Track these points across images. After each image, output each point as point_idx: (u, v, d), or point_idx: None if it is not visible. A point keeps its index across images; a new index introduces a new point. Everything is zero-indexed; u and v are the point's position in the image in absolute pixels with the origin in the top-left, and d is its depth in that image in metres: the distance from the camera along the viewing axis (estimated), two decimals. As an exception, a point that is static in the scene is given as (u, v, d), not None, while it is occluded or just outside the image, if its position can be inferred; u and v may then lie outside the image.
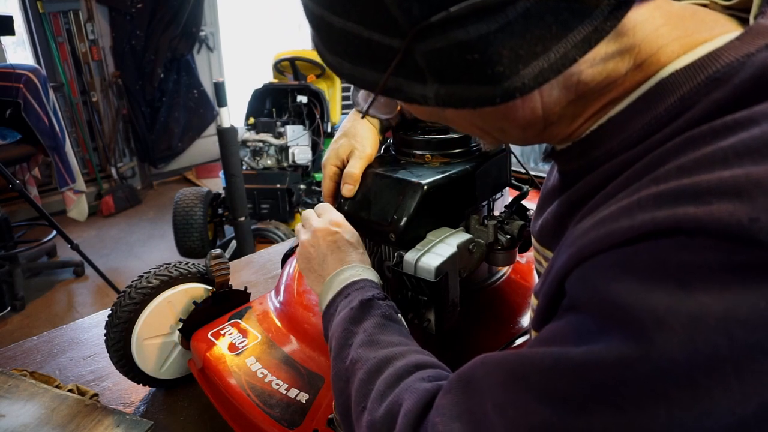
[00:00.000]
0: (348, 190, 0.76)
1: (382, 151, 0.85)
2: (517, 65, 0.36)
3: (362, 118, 0.78)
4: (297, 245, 1.06)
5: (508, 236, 0.80)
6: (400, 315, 0.61)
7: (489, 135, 0.48)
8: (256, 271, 1.30)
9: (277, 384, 0.74)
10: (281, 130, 3.32)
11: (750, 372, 0.28)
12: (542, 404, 0.34)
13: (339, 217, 0.72)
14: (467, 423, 0.39)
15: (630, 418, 0.30)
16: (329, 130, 3.52)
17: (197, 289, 0.89)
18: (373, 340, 0.54)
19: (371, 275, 0.65)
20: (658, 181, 0.33)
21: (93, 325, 1.09)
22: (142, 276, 0.86)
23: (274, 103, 3.52)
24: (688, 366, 0.28)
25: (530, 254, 0.98)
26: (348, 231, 0.70)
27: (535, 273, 0.93)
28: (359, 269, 0.65)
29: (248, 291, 0.95)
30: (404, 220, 0.70)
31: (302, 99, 3.36)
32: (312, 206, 3.35)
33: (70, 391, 0.83)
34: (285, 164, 3.33)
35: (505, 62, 0.35)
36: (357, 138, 0.78)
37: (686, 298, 0.29)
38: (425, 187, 0.70)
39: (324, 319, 0.63)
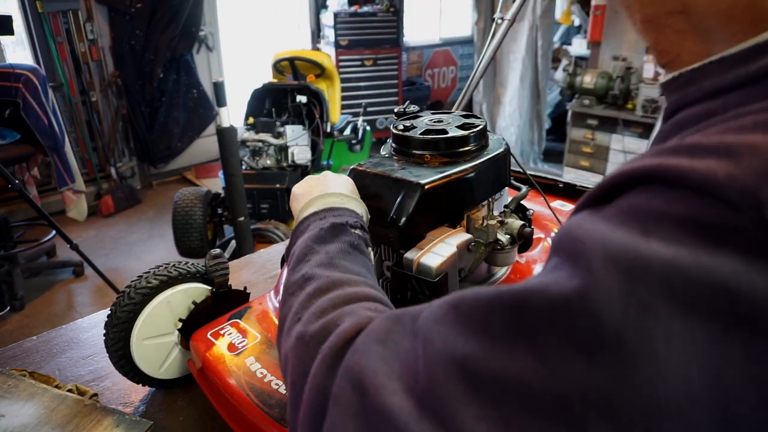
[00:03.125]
0: None
1: (381, 151, 0.85)
2: None
3: None
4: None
5: (508, 236, 0.80)
6: (370, 249, 0.59)
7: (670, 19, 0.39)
8: (256, 271, 1.30)
9: (277, 384, 0.74)
10: (281, 129, 3.32)
11: (679, 336, 0.26)
12: (468, 335, 0.31)
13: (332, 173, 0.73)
14: (389, 348, 0.36)
15: (551, 365, 0.28)
16: (329, 130, 3.52)
17: (197, 289, 0.89)
18: (332, 263, 0.52)
19: (357, 206, 0.64)
20: (686, 136, 0.32)
21: (92, 325, 1.09)
22: (141, 276, 0.86)
23: (274, 103, 3.52)
24: (620, 321, 0.26)
25: (530, 254, 0.98)
26: (338, 175, 0.70)
27: (535, 273, 0.93)
28: (345, 198, 0.64)
29: (248, 291, 0.95)
30: (404, 219, 0.69)
31: (302, 99, 3.36)
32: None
33: (69, 391, 0.83)
34: (284, 164, 3.33)
35: None
36: None
37: (642, 244, 0.28)
38: (425, 187, 0.70)
39: (292, 236, 0.61)
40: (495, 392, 0.29)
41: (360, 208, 0.65)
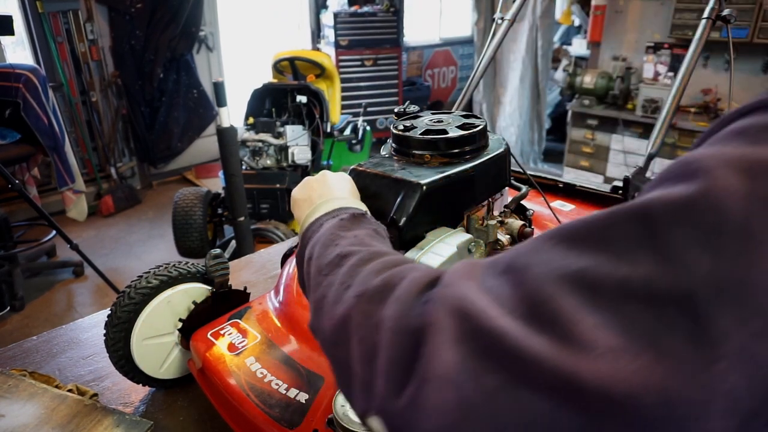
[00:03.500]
0: None
1: (381, 151, 0.85)
2: None
3: None
4: (297, 245, 1.07)
5: (508, 236, 0.80)
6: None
7: None
8: (256, 271, 1.30)
9: (277, 384, 0.74)
10: (281, 130, 3.32)
11: None
12: (580, 252, 0.31)
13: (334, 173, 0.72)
14: (483, 284, 0.34)
15: (678, 263, 0.28)
16: (329, 130, 3.52)
17: (197, 289, 0.89)
18: (364, 242, 0.51)
19: (362, 207, 0.64)
20: None
21: (92, 325, 1.09)
22: (141, 276, 0.86)
23: (274, 103, 3.52)
24: (746, 213, 0.27)
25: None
26: (340, 175, 0.70)
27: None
28: (350, 201, 0.64)
29: (248, 291, 0.95)
30: (404, 220, 0.70)
31: (302, 99, 3.36)
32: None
33: (69, 391, 0.83)
34: (284, 164, 3.33)
35: None
36: None
37: (757, 150, 0.29)
38: (424, 187, 0.70)
39: (303, 238, 0.59)
40: (617, 299, 0.29)
41: (364, 208, 0.65)
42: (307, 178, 0.72)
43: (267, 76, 3.77)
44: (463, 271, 0.37)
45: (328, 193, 0.66)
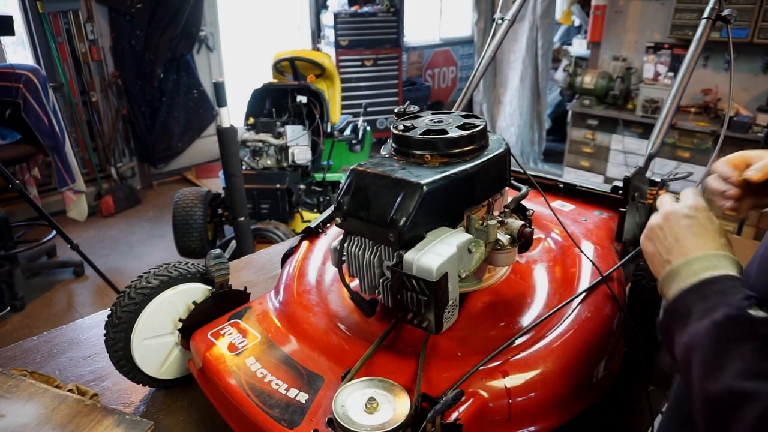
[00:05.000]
0: (755, 174, 0.70)
1: (382, 151, 0.85)
2: None
3: None
4: (298, 245, 1.07)
5: (508, 236, 0.80)
6: None
7: None
8: (256, 271, 1.30)
9: (277, 384, 0.74)
10: (281, 130, 3.32)
11: None
12: None
13: (700, 203, 0.65)
14: None
15: None
16: (329, 130, 3.52)
17: (197, 289, 0.89)
18: (757, 371, 0.46)
19: (729, 267, 0.57)
20: None
21: (93, 325, 1.09)
22: (141, 276, 0.86)
23: (274, 103, 3.52)
24: None
25: (530, 254, 0.98)
26: (706, 216, 0.63)
27: (535, 273, 0.93)
28: (714, 260, 0.57)
29: (248, 291, 0.95)
30: (404, 220, 0.69)
31: (302, 99, 3.36)
32: (311, 206, 3.34)
33: (69, 391, 0.83)
34: (285, 164, 3.33)
35: None
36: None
37: None
38: (424, 187, 0.70)
39: (669, 313, 0.57)
40: None
41: (732, 264, 0.57)
42: (651, 220, 0.66)
43: (267, 76, 3.77)
44: None
45: (681, 250, 0.60)
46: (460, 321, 0.72)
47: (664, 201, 0.68)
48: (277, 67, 3.69)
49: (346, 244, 0.79)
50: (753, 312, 0.50)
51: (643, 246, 0.67)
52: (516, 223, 0.81)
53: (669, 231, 0.63)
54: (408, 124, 0.82)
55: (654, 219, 0.66)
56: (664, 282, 0.60)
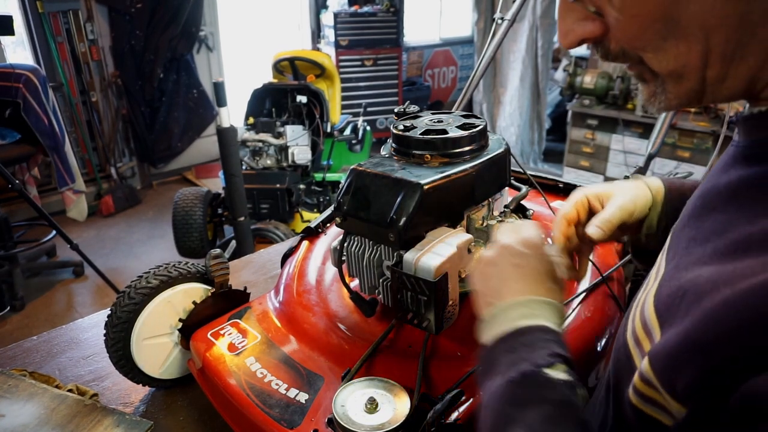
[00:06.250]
0: (596, 233, 0.64)
1: (382, 151, 0.85)
2: None
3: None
4: (298, 245, 1.07)
5: (508, 236, 0.80)
6: (578, 390, 0.46)
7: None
8: (256, 271, 1.30)
9: (277, 384, 0.74)
10: (281, 130, 3.32)
11: None
12: None
13: (536, 239, 0.59)
14: None
15: None
16: (328, 130, 3.52)
17: (197, 289, 0.89)
18: None
19: (548, 318, 0.52)
20: None
21: (92, 325, 1.09)
22: (141, 276, 0.86)
23: (274, 103, 3.52)
24: None
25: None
26: (539, 257, 0.57)
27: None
28: (534, 307, 0.52)
29: (248, 291, 0.95)
30: (403, 220, 0.69)
31: (302, 99, 3.37)
32: (311, 206, 3.33)
33: (69, 391, 0.83)
34: (284, 164, 3.33)
35: None
36: (624, 188, 0.69)
37: None
38: (424, 187, 0.70)
39: (480, 363, 0.53)
40: None
41: (553, 316, 0.52)
42: (485, 253, 0.60)
43: (267, 76, 3.77)
44: None
45: (507, 293, 0.54)
46: (460, 321, 0.72)
47: (502, 232, 0.62)
48: (277, 67, 3.70)
49: (345, 244, 0.79)
50: (552, 372, 0.45)
51: (472, 283, 0.60)
52: (516, 223, 0.81)
53: (499, 270, 0.57)
54: (408, 124, 0.82)
55: (487, 253, 0.60)
56: (485, 324, 0.54)
